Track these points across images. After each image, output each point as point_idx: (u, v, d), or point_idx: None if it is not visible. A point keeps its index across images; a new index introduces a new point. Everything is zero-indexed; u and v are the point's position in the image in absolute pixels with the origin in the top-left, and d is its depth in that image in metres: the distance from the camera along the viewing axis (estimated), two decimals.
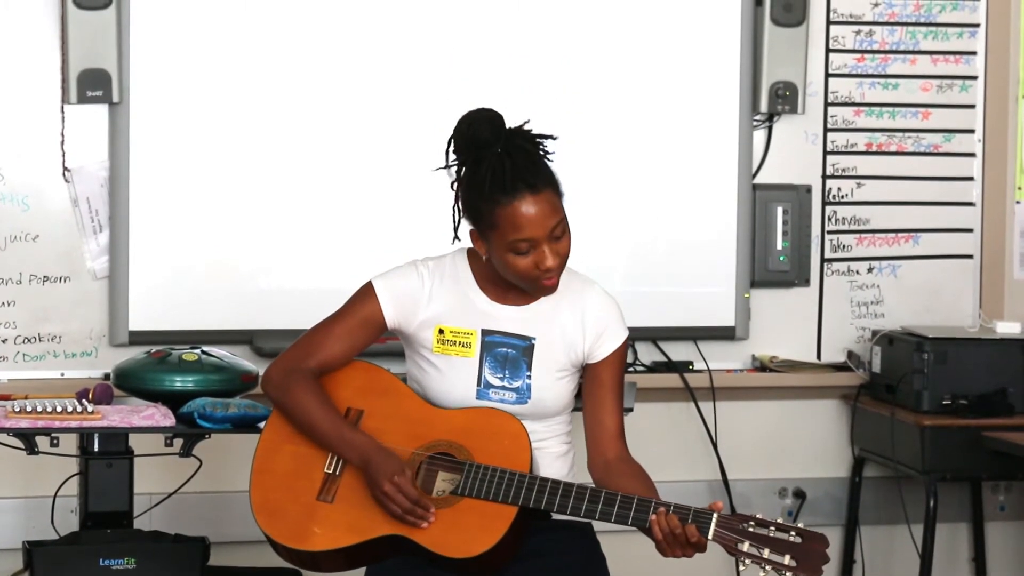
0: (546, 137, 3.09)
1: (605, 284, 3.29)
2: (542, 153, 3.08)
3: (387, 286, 3.18)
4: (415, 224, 4.45)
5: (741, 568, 2.91)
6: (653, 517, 2.92)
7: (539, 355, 3.15)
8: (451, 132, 3.11)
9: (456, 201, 3.12)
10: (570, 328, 3.17)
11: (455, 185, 3.12)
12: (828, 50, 4.98)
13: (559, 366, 3.17)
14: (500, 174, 3.01)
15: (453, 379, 3.15)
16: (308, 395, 3.14)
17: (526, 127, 3.09)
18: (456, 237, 3.16)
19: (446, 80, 4.59)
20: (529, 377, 3.15)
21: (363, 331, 3.19)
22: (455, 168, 3.11)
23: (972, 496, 5.09)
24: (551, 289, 3.10)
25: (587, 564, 3.18)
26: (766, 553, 2.87)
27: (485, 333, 3.15)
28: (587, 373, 3.21)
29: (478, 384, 3.15)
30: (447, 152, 3.12)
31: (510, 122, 3.08)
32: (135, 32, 4.48)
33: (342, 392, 3.19)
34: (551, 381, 3.17)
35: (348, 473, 3.12)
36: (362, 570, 3.19)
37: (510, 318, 3.16)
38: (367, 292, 3.18)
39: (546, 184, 3.04)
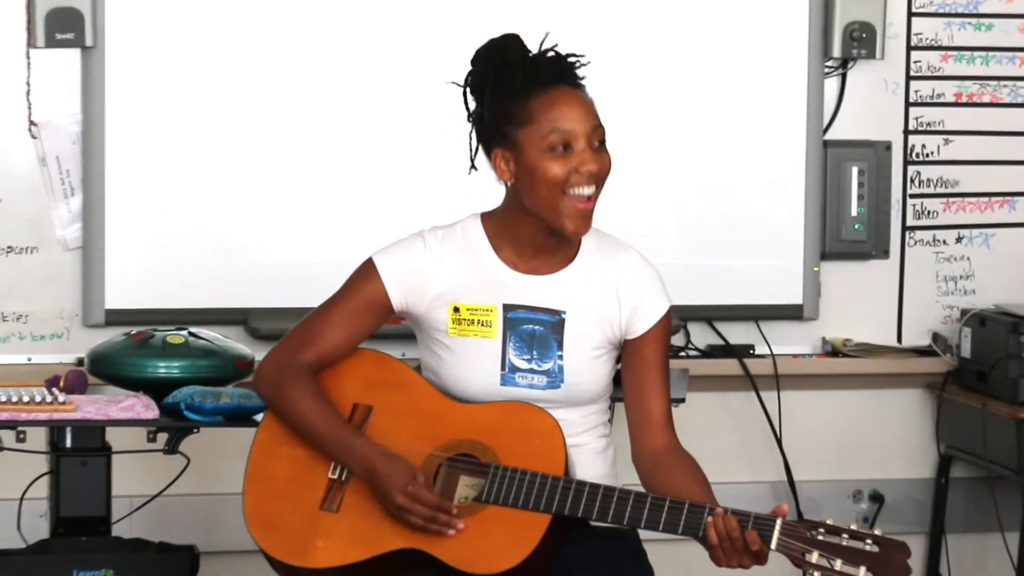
0: (578, 56, 3.11)
1: (653, 256, 3.27)
2: (577, 63, 3.11)
3: (390, 262, 3.18)
4: (424, 189, 4.51)
5: None
6: (709, 519, 2.92)
7: (570, 331, 3.15)
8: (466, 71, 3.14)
9: (474, 128, 3.14)
10: (604, 298, 3.18)
11: (471, 117, 3.13)
12: None
13: (594, 343, 3.17)
14: (534, 67, 3.06)
15: (473, 364, 3.16)
16: (304, 395, 3.15)
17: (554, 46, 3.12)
18: (473, 166, 3.16)
19: (452, 32, 4.59)
20: (561, 357, 3.15)
21: (366, 315, 3.20)
22: (473, 95, 3.13)
23: None
24: (583, 220, 3.08)
25: None
26: (838, 565, 2.86)
27: (507, 308, 3.16)
28: (626, 351, 3.21)
29: (502, 368, 3.15)
30: (464, 90, 3.14)
31: None
32: None
33: (347, 386, 3.20)
34: (586, 361, 3.17)
35: (355, 479, 3.12)
36: None
37: (535, 289, 3.16)
38: (368, 270, 3.19)
39: (584, 89, 3.09)
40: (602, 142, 3.09)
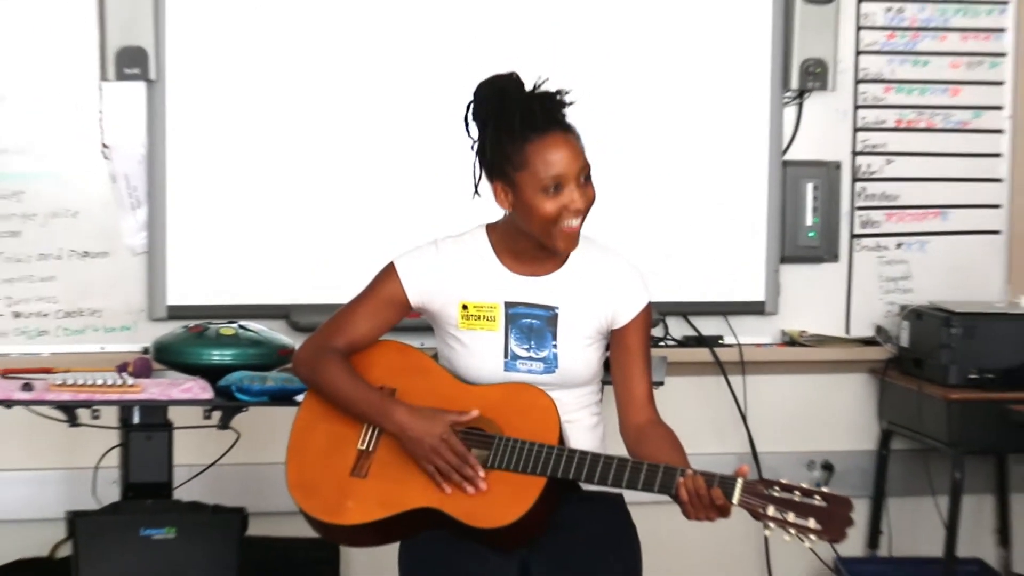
0: (564, 93, 3.08)
1: (636, 259, 3.28)
2: (565, 103, 3.08)
3: (408, 265, 3.18)
4: (442, 201, 4.46)
5: (767, 532, 2.90)
6: (681, 479, 2.92)
7: (563, 324, 3.15)
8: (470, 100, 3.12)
9: (477, 157, 3.11)
10: (592, 295, 3.17)
11: (475, 146, 3.11)
12: (858, 27, 4.96)
13: (584, 334, 3.17)
14: (530, 114, 3.01)
15: (480, 353, 3.16)
16: (338, 371, 3.14)
17: (546, 83, 3.09)
18: (476, 192, 3.12)
19: (474, 61, 4.49)
20: (555, 346, 3.15)
21: (388, 311, 3.19)
22: (476, 130, 3.10)
23: (997, 469, 5.10)
24: (572, 241, 3.08)
25: (618, 534, 3.19)
26: (791, 517, 2.86)
27: (508, 305, 3.15)
28: (613, 340, 3.21)
29: (505, 356, 3.14)
30: (466, 118, 3.10)
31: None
32: (171, 11, 4.48)
33: (374, 372, 3.18)
34: (577, 349, 3.17)
35: (381, 450, 3.12)
36: (395, 547, 3.20)
37: (532, 289, 3.16)
38: (389, 272, 3.19)
39: (573, 130, 3.06)
40: (588, 176, 3.07)
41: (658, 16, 4.80)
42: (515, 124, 3.02)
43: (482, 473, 3.01)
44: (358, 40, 4.63)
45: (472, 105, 3.10)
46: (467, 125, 3.11)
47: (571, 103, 3.08)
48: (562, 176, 3.02)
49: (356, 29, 4.63)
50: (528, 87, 3.07)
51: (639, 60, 4.79)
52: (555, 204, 3.03)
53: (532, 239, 3.11)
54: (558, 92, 3.07)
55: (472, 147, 3.11)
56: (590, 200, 3.07)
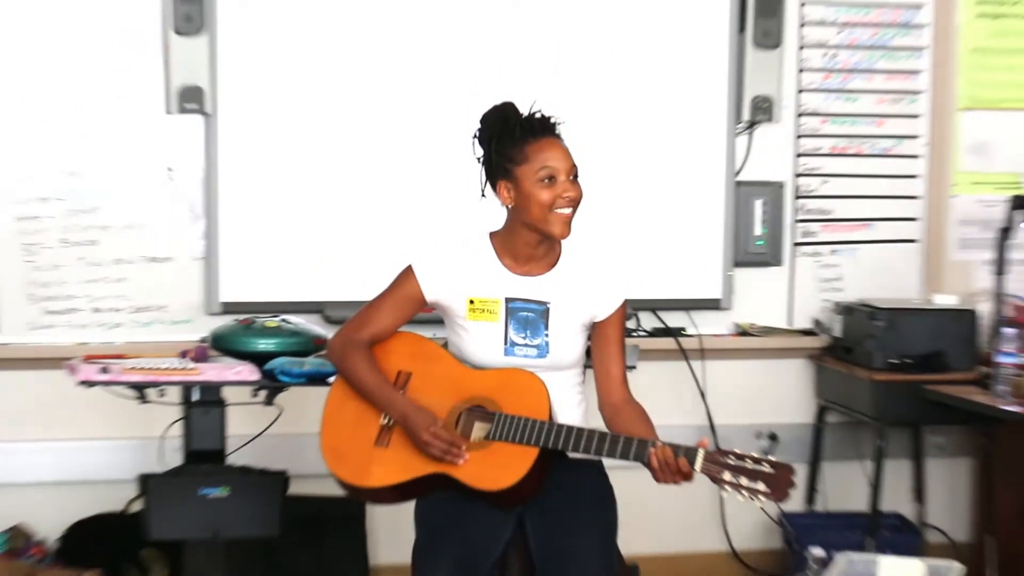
0: (555, 117, 3.10)
1: (617, 262, 3.27)
2: (556, 123, 3.10)
3: (424, 267, 3.16)
4: (449, 215, 4.44)
5: (724, 494, 2.90)
6: (652, 450, 2.93)
7: (554, 316, 3.14)
8: (476, 127, 3.13)
9: (483, 167, 3.12)
10: (578, 293, 3.16)
11: (481, 159, 3.11)
12: (799, 70, 4.96)
13: (571, 325, 3.16)
14: (529, 122, 3.06)
15: (484, 340, 3.14)
16: (360, 363, 3.15)
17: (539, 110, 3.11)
18: (483, 194, 3.13)
19: (481, 93, 4.49)
20: (547, 335, 3.14)
21: (406, 306, 3.18)
22: (482, 144, 3.11)
23: (913, 438, 5.09)
24: (566, 227, 3.07)
25: (598, 495, 3.18)
26: (743, 481, 2.87)
27: (508, 300, 3.14)
28: (594, 331, 3.20)
29: (505, 343, 3.13)
30: (473, 139, 3.13)
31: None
32: (222, 56, 4.49)
33: (395, 358, 3.18)
34: (565, 338, 3.16)
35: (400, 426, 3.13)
36: (411, 505, 3.19)
37: (528, 287, 3.15)
38: (408, 274, 3.18)
39: (563, 139, 3.08)
40: (575, 176, 3.07)
41: (633, 60, 4.79)
42: (516, 132, 3.05)
43: (466, 454, 3.02)
44: (375, 79, 4.62)
45: (479, 129, 3.12)
46: (474, 145, 3.13)
47: (561, 122, 3.11)
48: (555, 170, 3.04)
49: (375, 68, 4.61)
50: (524, 113, 3.10)
51: (618, 97, 4.78)
52: (550, 193, 3.04)
53: (529, 235, 3.11)
54: (550, 117, 3.11)
55: (478, 160, 3.13)
56: (579, 194, 3.08)
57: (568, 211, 3.06)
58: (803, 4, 4.93)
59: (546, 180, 3.03)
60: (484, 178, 3.13)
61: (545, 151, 3.04)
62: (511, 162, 3.05)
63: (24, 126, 4.46)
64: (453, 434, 3.04)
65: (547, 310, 3.15)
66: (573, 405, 3.19)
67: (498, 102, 3.13)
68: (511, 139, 3.05)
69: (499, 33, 4.68)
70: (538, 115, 3.09)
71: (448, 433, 3.03)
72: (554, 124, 3.09)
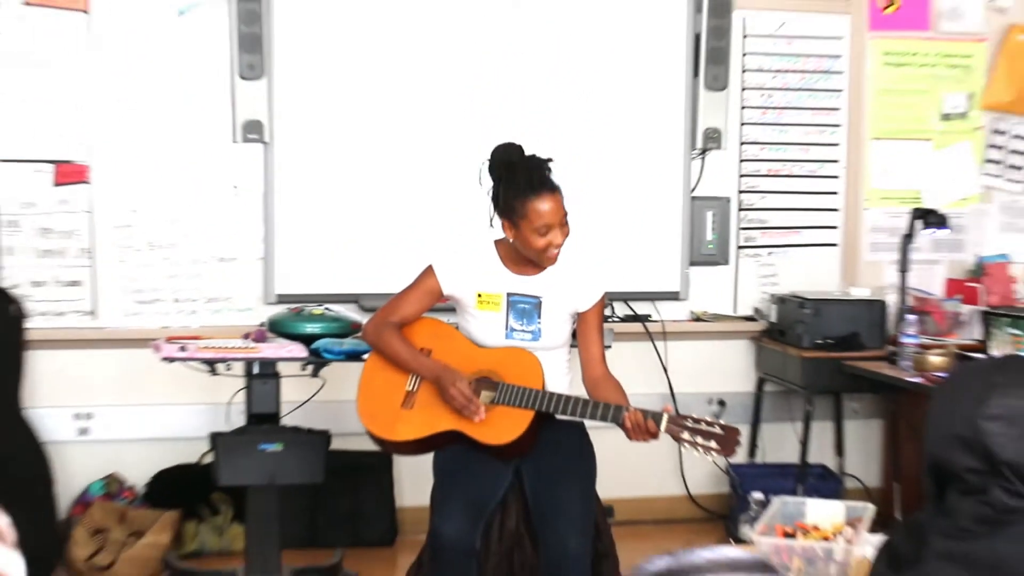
0: (549, 160, 3.07)
1: (594, 260, 3.29)
2: (550, 168, 3.06)
3: (442, 267, 3.16)
4: (465, 219, 4.39)
5: (683, 450, 2.91)
6: (626, 414, 2.92)
7: (545, 308, 3.14)
8: (487, 157, 3.08)
9: (491, 201, 3.07)
10: (566, 289, 3.15)
11: (490, 192, 3.08)
12: (742, 107, 4.94)
13: (559, 315, 3.15)
14: (530, 180, 3.00)
15: (489, 326, 3.14)
16: (394, 339, 3.14)
17: (538, 153, 3.07)
18: (491, 225, 3.09)
19: (504, 117, 4.55)
20: (539, 323, 3.13)
21: (427, 297, 3.17)
22: (491, 180, 3.07)
23: (835, 404, 5.08)
24: (553, 260, 3.08)
25: (581, 450, 3.18)
26: (699, 440, 2.88)
27: (509, 295, 3.13)
28: (579, 319, 3.19)
29: (506, 329, 3.13)
30: (484, 168, 3.06)
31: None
32: (278, 95, 4.47)
33: (418, 337, 3.17)
34: (555, 325, 3.15)
35: (422, 391, 3.12)
36: (430, 456, 3.19)
37: (525, 284, 3.14)
38: (429, 271, 3.17)
39: (558, 188, 3.04)
40: (565, 220, 3.05)
41: (609, 100, 4.77)
42: (520, 187, 3.00)
43: (483, 410, 3.01)
44: (403, 114, 4.59)
45: (488, 162, 3.08)
46: (481, 176, 3.09)
47: (553, 161, 3.07)
48: (549, 224, 3.01)
49: (402, 104, 4.57)
50: (527, 152, 3.07)
51: (595, 130, 4.76)
52: (543, 241, 3.03)
53: (526, 255, 3.11)
54: (548, 159, 3.06)
55: (487, 193, 3.09)
56: (567, 235, 3.06)
57: (556, 252, 3.05)
58: (745, 55, 4.92)
59: (542, 231, 3.00)
60: (491, 211, 3.08)
61: (541, 207, 2.97)
62: (514, 214, 3.01)
63: (121, 153, 4.47)
64: (471, 394, 3.04)
65: (540, 303, 3.14)
66: (561, 377, 3.18)
67: (505, 141, 3.08)
68: (515, 192, 2.99)
69: (500, 71, 4.65)
70: (536, 158, 3.03)
71: (470, 390, 3.03)
72: (550, 174, 3.01)
